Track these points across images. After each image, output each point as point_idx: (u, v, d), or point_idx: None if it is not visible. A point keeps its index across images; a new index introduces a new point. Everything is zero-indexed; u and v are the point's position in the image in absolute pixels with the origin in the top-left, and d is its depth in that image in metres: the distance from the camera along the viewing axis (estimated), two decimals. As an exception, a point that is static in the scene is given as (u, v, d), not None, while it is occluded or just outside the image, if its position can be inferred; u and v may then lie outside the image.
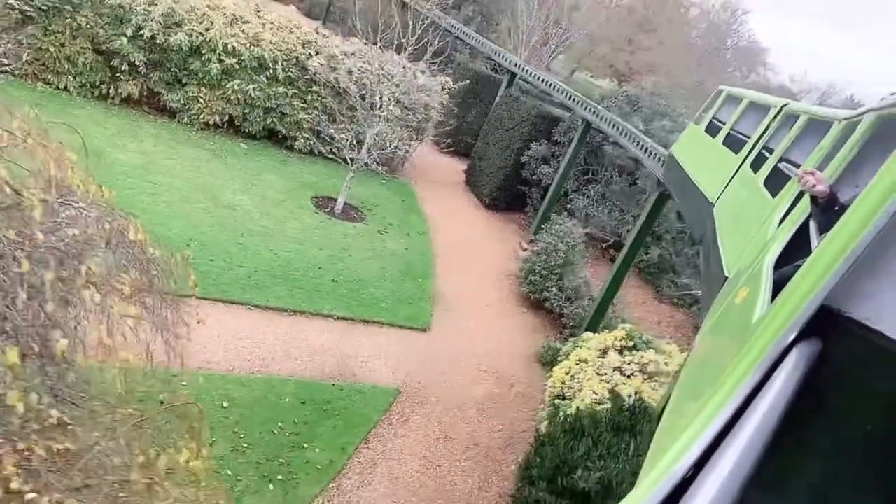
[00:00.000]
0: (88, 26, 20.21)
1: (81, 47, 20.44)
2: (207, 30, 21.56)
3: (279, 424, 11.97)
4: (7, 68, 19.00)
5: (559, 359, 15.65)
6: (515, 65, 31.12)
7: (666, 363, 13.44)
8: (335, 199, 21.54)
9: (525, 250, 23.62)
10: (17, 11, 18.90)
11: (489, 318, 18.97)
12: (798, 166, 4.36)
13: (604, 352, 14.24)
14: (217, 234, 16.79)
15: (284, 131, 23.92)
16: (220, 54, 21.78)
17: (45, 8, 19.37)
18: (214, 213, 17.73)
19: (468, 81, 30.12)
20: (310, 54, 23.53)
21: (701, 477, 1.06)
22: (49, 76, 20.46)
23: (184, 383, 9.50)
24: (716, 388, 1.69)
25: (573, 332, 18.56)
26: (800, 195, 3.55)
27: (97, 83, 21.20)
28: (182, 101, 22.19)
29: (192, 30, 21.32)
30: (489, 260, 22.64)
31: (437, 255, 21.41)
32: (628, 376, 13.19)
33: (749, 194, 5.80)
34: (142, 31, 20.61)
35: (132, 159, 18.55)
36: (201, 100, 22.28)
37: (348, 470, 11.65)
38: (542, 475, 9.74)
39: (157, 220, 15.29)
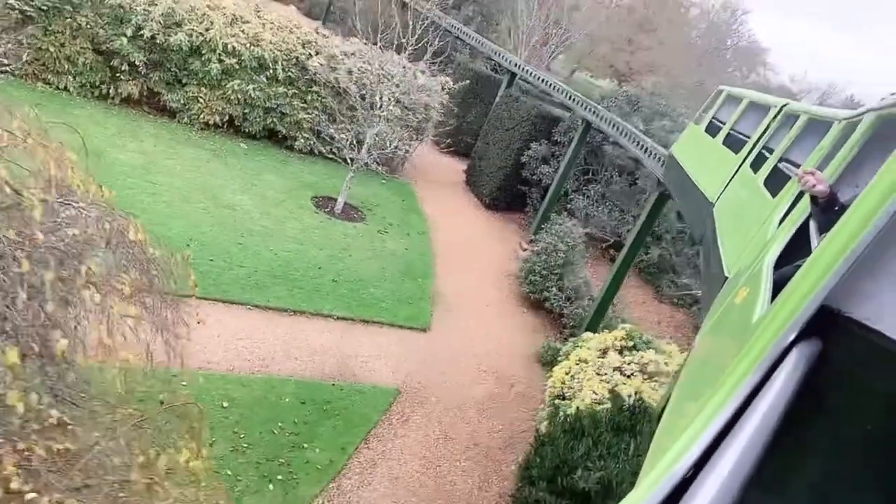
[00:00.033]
0: (88, 26, 20.21)
1: (81, 47, 20.44)
2: (207, 30, 21.56)
3: (279, 424, 11.97)
4: (7, 68, 19.00)
5: (559, 359, 15.65)
6: (515, 65, 31.13)
7: (666, 363, 13.45)
8: (335, 199, 21.54)
9: (525, 250, 23.63)
10: (17, 11, 18.90)
11: (489, 318, 18.97)
12: (798, 166, 4.36)
13: (604, 352, 14.24)
14: (217, 234, 16.79)
15: (284, 131, 23.93)
16: (220, 54, 21.78)
17: (45, 8, 19.37)
18: (214, 213, 17.73)
19: (468, 81, 30.13)
20: (310, 54, 23.53)
21: (701, 477, 1.05)
22: (49, 76, 20.46)
23: (183, 383, 9.50)
24: (716, 389, 1.69)
25: (573, 332, 18.57)
26: (800, 195, 3.54)
27: (97, 83, 21.20)
28: (182, 101, 22.19)
29: (192, 30, 21.32)
30: (489, 260, 22.65)
31: (437, 255, 21.41)
32: (628, 376, 13.19)
33: (749, 194, 5.79)
34: (142, 31, 20.61)
35: (132, 159, 18.55)
36: (201, 100, 22.29)
37: (348, 470, 11.65)
38: (542, 475, 9.74)
39: (158, 220, 15.28)
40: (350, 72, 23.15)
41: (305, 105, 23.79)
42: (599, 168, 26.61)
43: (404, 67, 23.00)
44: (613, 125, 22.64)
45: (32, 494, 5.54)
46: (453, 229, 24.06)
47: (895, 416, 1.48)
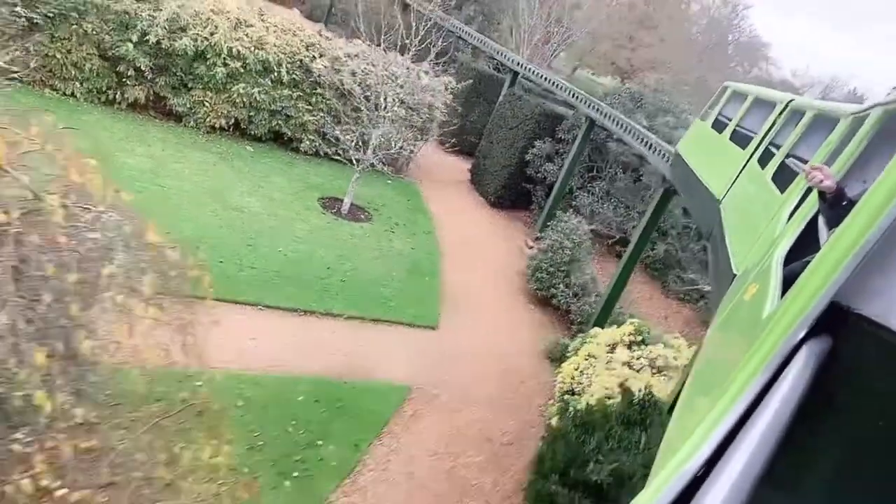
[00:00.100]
0: (94, 32, 20.39)
1: (88, 53, 20.62)
2: (212, 34, 21.73)
3: (293, 422, 12.12)
4: (15, 75, 19.17)
5: (568, 354, 15.78)
6: (518, 63, 31.22)
7: (675, 357, 13.55)
8: (341, 200, 21.69)
9: (531, 248, 23.74)
10: (23, 19, 19.08)
11: (497, 315, 19.09)
12: (805, 162, 4.41)
13: (612, 347, 14.36)
14: (226, 236, 16.96)
15: (290, 133, 24.09)
16: (224, 58, 21.95)
17: (51, 15, 19.56)
18: (223, 216, 17.90)
19: (471, 81, 30.26)
20: (313, 56, 23.68)
21: (713, 475, 1.06)
22: (56, 82, 20.66)
23: (198, 383, 9.66)
24: (726, 386, 1.69)
25: (581, 329, 18.68)
26: (808, 191, 3.55)
27: (104, 89, 21.39)
28: (188, 105, 22.37)
29: (197, 34, 21.49)
30: (495, 258, 22.77)
31: (444, 254, 21.54)
32: (637, 371, 13.30)
33: (757, 190, 5.81)
34: (147, 37, 20.78)
35: (140, 163, 18.73)
36: (207, 103, 22.45)
37: (362, 466, 11.81)
38: (554, 468, 9.88)
39: (168, 224, 15.35)
40: (354, 73, 23.27)
41: (310, 107, 23.94)
42: (604, 165, 26.70)
43: (408, 68, 23.13)
44: (617, 122, 22.74)
45: (63, 491, 5.69)
46: (459, 228, 24.18)
47: None
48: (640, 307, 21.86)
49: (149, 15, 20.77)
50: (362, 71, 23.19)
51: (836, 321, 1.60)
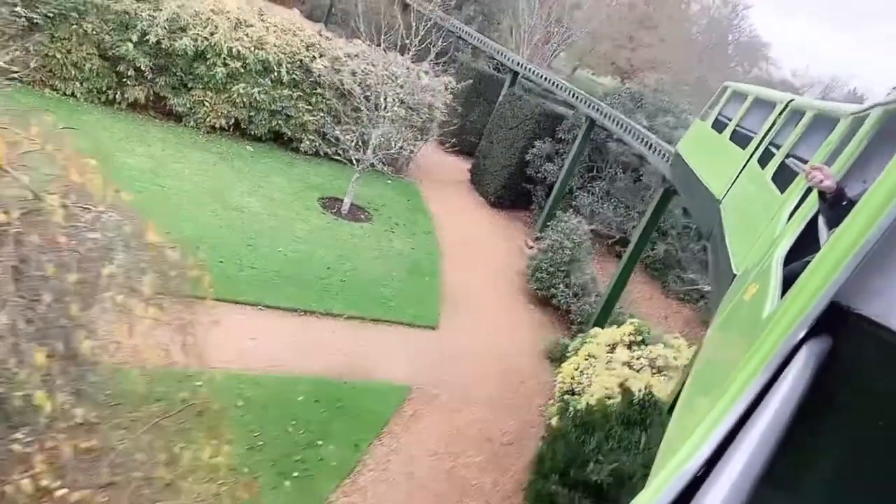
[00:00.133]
0: (94, 32, 20.39)
1: (88, 53, 20.63)
2: (212, 34, 21.73)
3: (293, 422, 12.13)
4: (15, 75, 19.18)
5: (568, 354, 15.79)
6: (518, 63, 31.23)
7: (675, 357, 13.56)
8: (341, 200, 21.70)
9: (531, 248, 23.75)
10: (23, 19, 19.08)
11: (497, 315, 19.09)
12: (805, 162, 4.41)
13: (612, 347, 14.36)
14: (226, 236, 16.97)
15: (290, 133, 24.10)
16: (224, 58, 21.95)
17: (51, 15, 19.56)
18: (223, 216, 17.90)
19: (471, 81, 30.27)
20: (313, 56, 23.68)
21: (713, 475, 1.05)
22: (56, 82, 20.67)
23: (198, 383, 9.66)
24: (726, 386, 1.69)
25: (581, 329, 18.69)
26: (808, 191, 3.55)
27: (104, 89, 21.39)
28: (188, 105, 22.38)
29: (197, 34, 21.49)
30: (495, 258, 22.77)
31: (444, 254, 21.55)
32: (637, 371, 13.30)
33: (757, 190, 5.80)
34: (147, 37, 20.79)
35: (140, 163, 18.74)
36: (207, 103, 22.46)
37: (362, 466, 11.81)
38: (554, 468, 9.88)
39: (168, 224, 15.35)
40: (354, 73, 23.28)
41: (310, 107, 23.95)
42: (604, 165, 26.71)
43: (408, 68, 23.13)
44: (617, 122, 22.75)
45: (63, 491, 5.69)
46: (459, 228, 24.19)
47: None
48: (640, 307, 21.87)
49: (149, 15, 20.78)
50: (362, 71, 23.20)
51: (836, 321, 1.59)
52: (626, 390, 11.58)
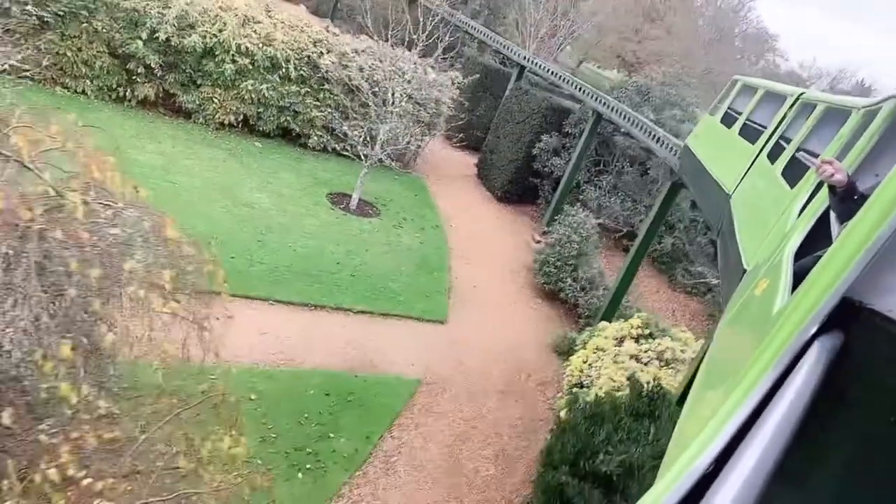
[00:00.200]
0: (104, 30, 20.55)
1: (98, 51, 20.79)
2: (221, 31, 21.85)
3: (305, 415, 12.30)
4: (27, 73, 19.38)
5: (576, 348, 15.89)
6: (524, 58, 31.20)
7: (682, 350, 13.64)
8: (350, 196, 21.82)
9: (538, 242, 23.82)
10: (34, 17, 19.26)
11: (505, 309, 19.20)
12: (816, 156, 4.43)
13: (620, 340, 14.45)
14: (237, 231, 17.13)
15: (298, 129, 24.21)
16: (233, 55, 22.07)
17: (61, 13, 19.72)
18: (234, 212, 18.07)
19: (477, 75, 30.27)
20: (321, 52, 23.76)
21: (724, 472, 1.05)
22: (67, 80, 20.84)
23: (212, 376, 9.83)
24: (736, 381, 1.67)
25: (588, 322, 18.77)
26: (819, 185, 3.55)
27: (114, 86, 21.56)
28: (197, 102, 22.52)
29: (206, 31, 21.61)
30: (502, 252, 22.86)
31: (452, 249, 21.66)
32: (645, 364, 13.40)
33: (767, 185, 5.79)
34: (157, 34, 20.92)
35: (151, 160, 18.91)
36: (216, 100, 22.60)
37: (374, 458, 11.98)
38: (564, 460, 10.00)
39: (179, 220, 15.40)
40: (361, 69, 23.37)
41: (318, 103, 24.05)
42: (611, 159, 26.71)
43: (415, 64, 23.19)
44: (624, 116, 22.74)
45: (87, 480, 5.85)
46: (466, 223, 24.28)
47: None
48: (647, 301, 21.93)
49: (158, 12, 20.91)
50: (370, 66, 23.27)
51: (847, 316, 1.57)
52: (634, 382, 11.68)
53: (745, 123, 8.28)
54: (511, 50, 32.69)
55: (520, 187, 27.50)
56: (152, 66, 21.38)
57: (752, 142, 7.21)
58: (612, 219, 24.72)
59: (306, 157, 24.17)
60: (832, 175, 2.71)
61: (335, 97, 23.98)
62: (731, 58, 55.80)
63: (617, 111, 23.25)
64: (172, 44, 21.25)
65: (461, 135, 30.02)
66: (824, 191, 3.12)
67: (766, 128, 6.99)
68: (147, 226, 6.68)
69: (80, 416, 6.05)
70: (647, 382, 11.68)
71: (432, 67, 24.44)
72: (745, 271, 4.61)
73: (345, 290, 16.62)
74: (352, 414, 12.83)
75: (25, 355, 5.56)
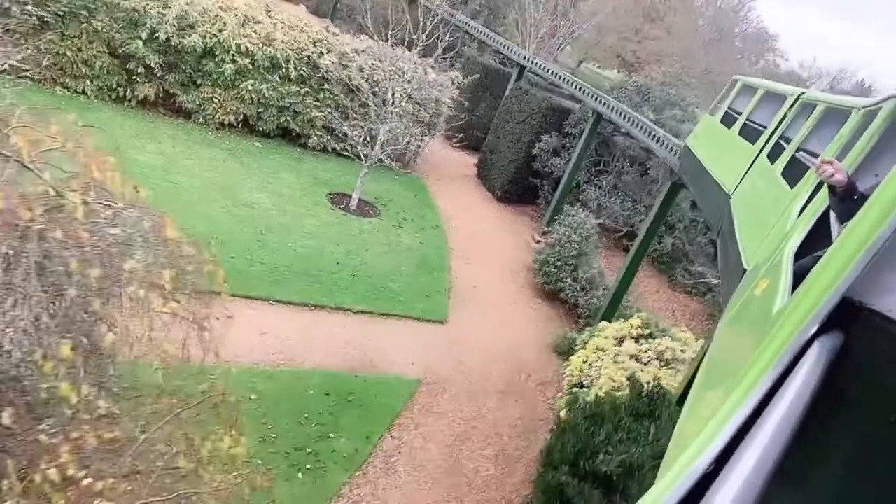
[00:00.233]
0: (104, 30, 20.55)
1: (98, 51, 20.79)
2: (221, 31, 21.85)
3: (305, 415, 12.30)
4: (27, 73, 19.39)
5: (576, 348, 15.89)
6: (524, 58, 31.21)
7: (682, 350, 13.64)
8: (350, 196, 21.82)
9: (538, 242, 23.83)
10: (34, 17, 19.26)
11: (504, 309, 19.21)
12: (816, 156, 4.42)
13: (620, 340, 14.46)
14: (237, 231, 17.13)
15: (298, 129, 24.21)
16: (233, 55, 22.07)
17: (61, 13, 19.72)
18: (234, 212, 18.07)
19: (477, 75, 30.27)
20: (321, 53, 23.76)
21: (724, 472, 1.05)
22: (67, 80, 20.84)
23: (212, 376, 9.83)
24: (736, 381, 1.67)
25: (588, 322, 18.77)
26: (819, 185, 3.54)
27: (114, 86, 21.56)
28: (197, 102, 22.52)
29: (206, 31, 21.61)
30: (502, 252, 22.87)
31: (452, 249, 21.66)
32: (645, 364, 13.40)
33: (767, 185, 5.78)
34: (157, 34, 20.92)
35: (151, 160, 18.91)
36: (216, 100, 22.60)
37: (374, 458, 11.98)
38: (564, 460, 10.00)
39: (180, 220, 15.40)
40: (361, 69, 23.37)
41: (318, 103, 24.05)
42: (611, 159, 26.72)
43: (415, 64, 23.19)
44: (624, 116, 22.75)
45: (88, 480, 5.85)
46: (466, 223, 24.28)
47: None
48: (647, 301, 21.93)
49: (158, 12, 20.91)
50: (370, 66, 23.27)
51: (847, 317, 1.57)
52: (634, 382, 11.68)
53: (745, 123, 8.27)
54: (511, 50, 32.70)
55: (520, 187, 27.50)
56: (152, 66, 21.38)
57: (752, 142, 7.20)
58: (612, 219, 24.72)
59: (306, 157, 24.17)
60: (832, 175, 2.71)
61: (335, 97, 23.99)
62: (731, 58, 55.80)
63: (617, 111, 23.26)
64: (172, 44, 21.25)
65: (461, 135, 30.02)
66: (824, 191, 3.11)
67: (766, 128, 6.99)
68: (147, 226, 6.69)
69: (80, 416, 6.05)
70: (647, 382, 11.69)
71: (432, 67, 24.44)
72: (745, 271, 4.61)
73: (345, 290, 16.62)
74: (352, 414, 12.83)
75: (25, 355, 5.56)
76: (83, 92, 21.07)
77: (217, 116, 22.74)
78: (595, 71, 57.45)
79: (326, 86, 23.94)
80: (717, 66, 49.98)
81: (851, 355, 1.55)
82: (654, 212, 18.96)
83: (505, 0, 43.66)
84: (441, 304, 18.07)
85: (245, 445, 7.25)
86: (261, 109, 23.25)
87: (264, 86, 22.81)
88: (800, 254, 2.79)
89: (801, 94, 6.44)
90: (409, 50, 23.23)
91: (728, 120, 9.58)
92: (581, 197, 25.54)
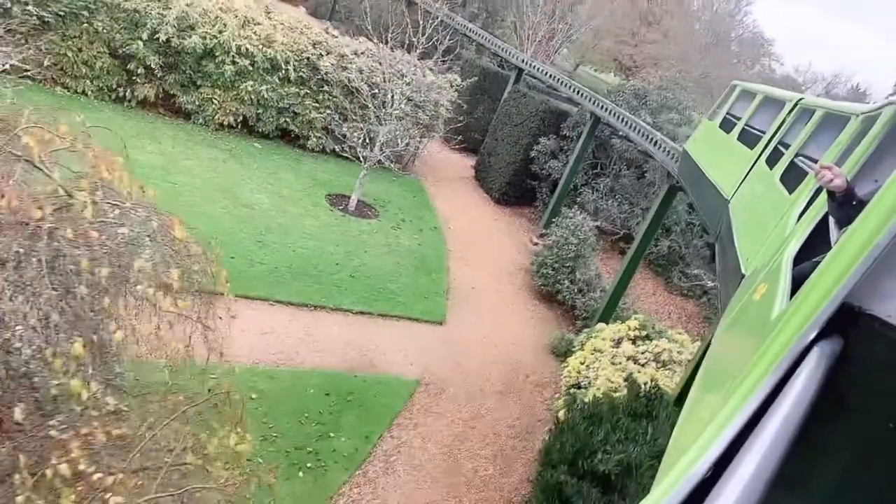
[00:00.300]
0: (105, 31, 20.62)
1: (98, 52, 20.84)
2: (220, 32, 21.94)
3: (305, 415, 12.39)
4: (28, 73, 19.42)
5: (573, 349, 16.02)
6: (522, 61, 31.39)
7: (679, 352, 13.79)
8: (349, 197, 21.91)
9: (536, 244, 23.96)
10: (35, 17, 19.30)
11: (502, 310, 19.33)
12: (815, 161, 4.50)
13: (618, 342, 14.60)
14: (237, 232, 17.20)
15: (297, 130, 24.30)
16: (233, 56, 22.16)
17: (62, 14, 19.77)
18: (234, 212, 18.14)
19: (476, 78, 30.40)
20: (320, 54, 23.87)
21: (723, 477, 1.04)
22: (67, 80, 20.88)
23: (212, 376, 9.91)
24: (735, 387, 1.67)
25: (586, 324, 18.91)
26: (818, 191, 3.57)
27: (114, 86, 21.61)
28: (197, 103, 22.59)
29: (206, 32, 21.69)
30: (500, 254, 23.00)
31: (450, 250, 21.78)
32: (642, 365, 13.54)
33: (765, 190, 5.82)
34: (157, 35, 21.00)
35: (151, 160, 18.96)
36: (216, 101, 22.67)
37: (373, 458, 12.07)
38: (562, 459, 10.12)
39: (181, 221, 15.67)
40: (361, 71, 23.48)
41: (317, 104, 24.15)
42: (608, 162, 26.90)
43: (414, 66, 23.32)
44: (622, 119, 22.93)
45: (97, 475, 5.94)
46: (464, 224, 24.41)
47: None
48: (644, 303, 22.10)
49: (158, 13, 20.98)
50: (369, 68, 23.39)
51: (847, 322, 1.57)
52: (631, 383, 11.82)
53: (743, 128, 8.35)
54: (509, 53, 32.88)
55: (517, 189, 27.64)
56: (152, 66, 21.45)
57: (751, 147, 7.28)
58: (610, 221, 24.90)
59: (305, 158, 24.26)
60: (831, 180, 2.71)
61: (334, 99, 24.09)
62: (727, 62, 56.15)
63: (614, 114, 23.43)
64: (172, 45, 21.33)
65: (459, 137, 30.11)
66: (823, 196, 3.12)
67: (764, 133, 7.08)
68: (155, 225, 6.79)
69: (89, 412, 6.14)
70: (645, 383, 11.83)
71: (431, 70, 24.57)
72: (743, 276, 4.60)
73: (344, 290, 16.72)
74: (351, 413, 12.92)
75: (35, 353, 5.65)
76: (83, 92, 21.12)
77: (216, 117, 22.81)
78: (592, 74, 57.72)
79: (326, 87, 24.04)
80: (713, 71, 50.32)
81: (851, 360, 1.56)
82: (651, 214, 19.13)
83: (503, 3, 43.85)
84: (439, 305, 18.18)
85: (250, 443, 7.34)
86: (260, 110, 23.34)
87: (264, 87, 22.90)
88: (798, 259, 2.80)
89: (800, 99, 6.54)
90: (409, 52, 23.35)
91: (727, 125, 9.67)
92: (578, 199, 25.69)
